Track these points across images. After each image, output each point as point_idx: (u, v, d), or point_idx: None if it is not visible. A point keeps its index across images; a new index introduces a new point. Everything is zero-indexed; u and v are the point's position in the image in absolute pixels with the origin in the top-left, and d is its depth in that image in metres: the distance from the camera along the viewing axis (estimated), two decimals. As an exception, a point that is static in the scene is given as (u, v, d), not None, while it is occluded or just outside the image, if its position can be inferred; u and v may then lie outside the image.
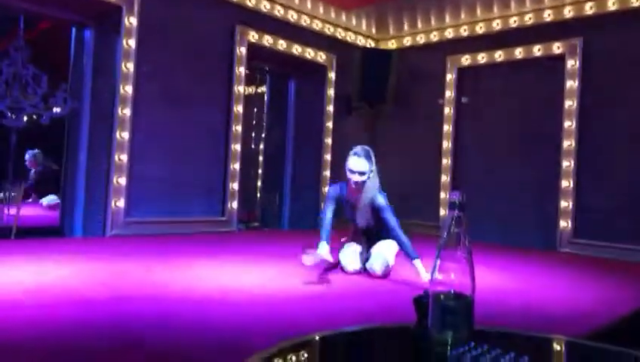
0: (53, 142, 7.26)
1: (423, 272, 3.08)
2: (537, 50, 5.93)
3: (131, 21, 4.94)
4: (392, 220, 3.26)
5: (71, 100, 5.01)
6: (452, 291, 1.06)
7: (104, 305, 2.47)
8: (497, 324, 1.63)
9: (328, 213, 3.39)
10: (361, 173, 3.25)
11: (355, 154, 3.29)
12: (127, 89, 4.93)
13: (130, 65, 4.94)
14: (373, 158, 3.32)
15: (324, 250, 3.18)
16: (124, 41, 4.91)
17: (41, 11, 4.99)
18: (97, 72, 5.15)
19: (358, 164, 3.25)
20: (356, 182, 3.27)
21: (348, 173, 3.29)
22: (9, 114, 4.61)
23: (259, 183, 7.26)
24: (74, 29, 5.31)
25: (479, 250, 4.22)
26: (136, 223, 4.99)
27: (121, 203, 4.90)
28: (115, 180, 4.88)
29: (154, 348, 1.94)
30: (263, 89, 7.26)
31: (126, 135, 4.93)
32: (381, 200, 3.29)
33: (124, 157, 4.92)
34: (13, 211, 5.15)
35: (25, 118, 4.81)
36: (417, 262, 3.12)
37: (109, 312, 2.36)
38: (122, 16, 4.88)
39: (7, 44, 4.94)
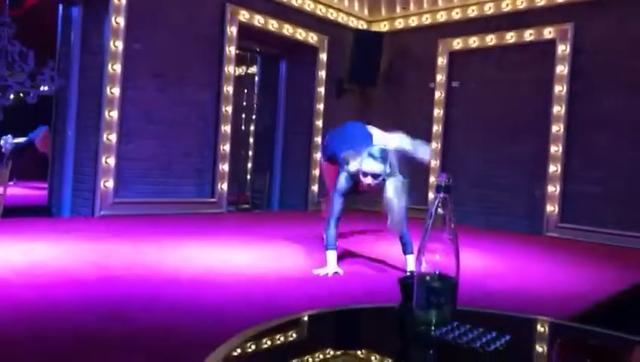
0: (41, 120, 7.17)
1: (411, 268, 3.01)
2: (529, 35, 5.93)
3: (120, -2, 4.86)
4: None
5: (58, 78, 4.93)
6: (437, 272, 1.07)
7: (94, 285, 2.48)
8: (481, 306, 1.66)
9: (339, 208, 3.11)
10: (375, 176, 2.99)
11: (371, 155, 2.98)
12: (116, 67, 4.87)
13: (119, 44, 4.87)
14: (389, 158, 3.04)
15: (334, 263, 3.02)
16: (113, 19, 4.83)
17: (28, -13, 4.90)
18: (85, 49, 5.08)
19: (374, 166, 2.97)
20: (369, 184, 3.03)
21: (360, 175, 3.01)
22: (-5, 91, 4.54)
23: (249, 165, 7.25)
24: (61, 6, 5.21)
25: (466, 233, 4.27)
26: (126, 203, 4.98)
27: (110, 183, 4.87)
28: (103, 160, 4.84)
29: (143, 328, 1.96)
30: (254, 70, 7.21)
31: (115, 114, 4.88)
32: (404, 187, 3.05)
33: (113, 137, 4.89)
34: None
35: (11, 96, 4.73)
36: (410, 258, 3.07)
37: (98, 292, 2.37)
38: (111, -7, 4.80)
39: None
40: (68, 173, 5.09)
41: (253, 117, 7.16)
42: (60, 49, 5.22)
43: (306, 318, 1.24)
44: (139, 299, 2.29)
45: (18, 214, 4.85)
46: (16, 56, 4.60)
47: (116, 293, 2.36)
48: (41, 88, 4.83)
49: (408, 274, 1.19)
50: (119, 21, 4.87)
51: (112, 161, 4.88)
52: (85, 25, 5.09)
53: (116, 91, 4.88)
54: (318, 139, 6.76)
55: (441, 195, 1.08)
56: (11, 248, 3.14)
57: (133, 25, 4.95)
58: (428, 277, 1.08)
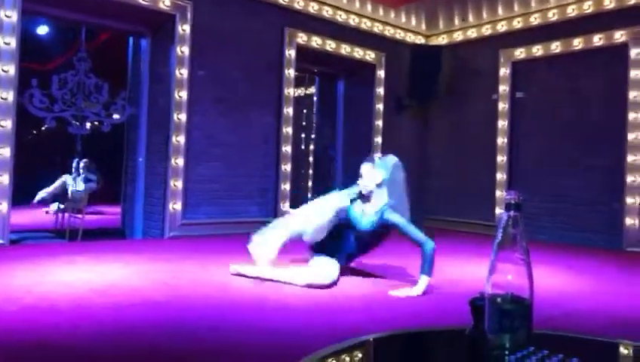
0: (113, 147, 7.57)
1: (417, 289, 2.91)
2: (598, 40, 5.65)
3: (184, 28, 5.09)
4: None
5: (129, 107, 5.22)
6: (509, 294, 1.02)
7: (164, 305, 2.56)
8: (558, 328, 1.57)
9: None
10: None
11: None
12: (182, 94, 5.08)
13: (184, 72, 5.09)
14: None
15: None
16: (178, 49, 5.06)
17: (101, 23, 5.24)
18: (153, 79, 5.34)
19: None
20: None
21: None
22: (74, 122, 4.86)
23: (309, 183, 7.30)
24: (131, 39, 5.53)
25: (538, 249, 4.07)
26: (193, 225, 5.14)
27: (178, 205, 5.06)
28: (172, 183, 5.04)
29: (210, 347, 1.99)
30: (312, 90, 7.30)
31: (182, 139, 5.08)
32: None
33: (180, 161, 5.08)
34: (79, 215, 5.42)
35: (88, 125, 5.06)
36: (423, 279, 2.94)
37: (168, 312, 2.44)
38: (176, 24, 5.04)
39: (71, 55, 5.21)
40: (139, 196, 5.34)
41: (313, 136, 7.23)
42: (131, 79, 5.53)
43: (372, 341, 1.21)
44: (206, 320, 2.34)
45: (95, 237, 5.14)
46: (92, 88, 4.92)
47: (184, 313, 2.42)
48: (114, 117, 5.12)
49: (479, 295, 1.15)
50: (184, 50, 5.09)
51: (179, 184, 5.07)
52: (153, 55, 5.36)
53: (183, 117, 5.08)
54: (379, 156, 6.71)
55: (512, 213, 1.03)
56: (90, 269, 3.31)
57: (196, 53, 5.17)
58: (500, 299, 1.03)
